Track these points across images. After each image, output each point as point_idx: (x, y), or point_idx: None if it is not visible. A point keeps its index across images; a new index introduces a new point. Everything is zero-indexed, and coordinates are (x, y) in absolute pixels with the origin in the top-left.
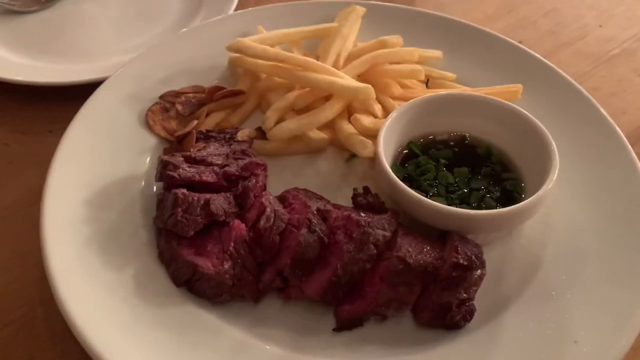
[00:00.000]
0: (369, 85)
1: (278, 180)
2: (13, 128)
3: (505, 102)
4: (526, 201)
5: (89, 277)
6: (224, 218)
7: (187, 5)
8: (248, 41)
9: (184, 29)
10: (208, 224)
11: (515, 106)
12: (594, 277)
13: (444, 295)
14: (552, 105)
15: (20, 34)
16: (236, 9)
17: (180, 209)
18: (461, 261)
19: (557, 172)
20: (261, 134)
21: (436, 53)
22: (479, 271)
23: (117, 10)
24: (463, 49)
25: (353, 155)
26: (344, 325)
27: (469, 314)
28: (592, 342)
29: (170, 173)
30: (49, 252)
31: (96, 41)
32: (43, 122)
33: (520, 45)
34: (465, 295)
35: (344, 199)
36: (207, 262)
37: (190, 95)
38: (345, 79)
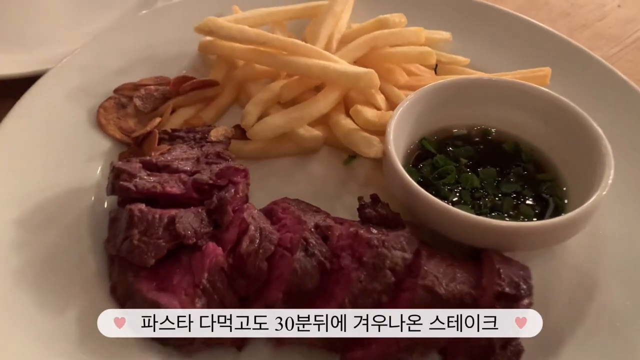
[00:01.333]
0: (372, 70)
1: (262, 189)
2: None
3: (538, 87)
4: (579, 210)
5: (19, 324)
6: (195, 240)
7: None
8: (222, 20)
9: (145, 11)
10: (174, 249)
11: (551, 92)
12: None
13: None
14: (585, 92)
15: None
16: None
17: (136, 230)
18: (507, 289)
19: (612, 173)
20: (240, 132)
21: (445, 35)
22: (525, 300)
23: None
24: (475, 29)
25: (353, 156)
26: None
27: (516, 356)
28: None
29: (125, 184)
30: None
31: (42, 28)
32: None
33: (541, 24)
34: None
35: (344, 210)
36: (172, 300)
37: (152, 87)
38: (341, 64)
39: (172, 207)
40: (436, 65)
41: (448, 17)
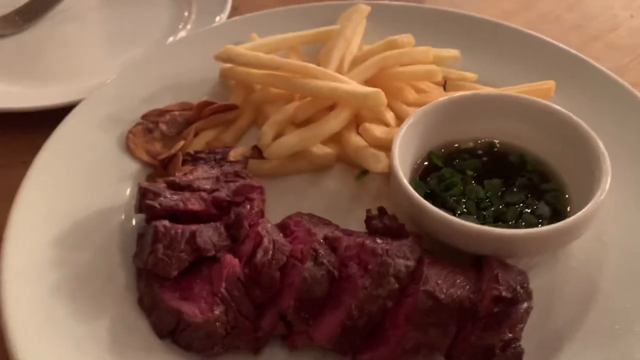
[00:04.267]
0: (379, 89)
1: (279, 205)
2: None
3: (539, 100)
4: (576, 216)
5: (55, 331)
6: (214, 253)
7: (175, 19)
8: (239, 48)
9: (171, 39)
10: (195, 262)
11: (552, 104)
12: None
13: (485, 337)
14: (590, 103)
15: None
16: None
17: (161, 245)
18: (504, 293)
19: (609, 179)
20: (257, 152)
21: (453, 52)
22: (525, 304)
23: (98, 29)
24: (482, 46)
25: (364, 172)
26: None
27: (516, 357)
28: None
29: (150, 202)
30: (5, 302)
31: (77, 63)
32: (17, 153)
33: (548, 39)
34: (510, 334)
35: (357, 223)
36: (193, 309)
37: (177, 113)
38: (351, 84)
39: (194, 222)
40: (445, 82)
41: (456, 36)
